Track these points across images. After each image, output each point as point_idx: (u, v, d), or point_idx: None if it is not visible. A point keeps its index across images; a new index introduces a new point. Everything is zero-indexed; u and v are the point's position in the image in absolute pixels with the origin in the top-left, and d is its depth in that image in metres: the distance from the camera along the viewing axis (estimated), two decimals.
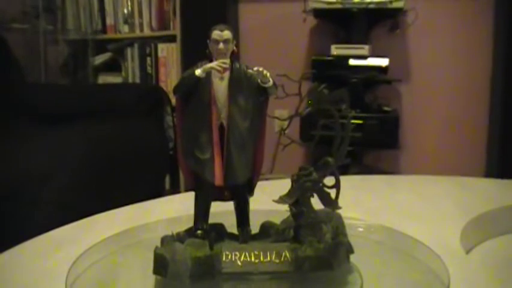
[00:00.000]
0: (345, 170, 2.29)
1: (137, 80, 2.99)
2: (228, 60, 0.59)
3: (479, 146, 2.78)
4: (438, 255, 0.61)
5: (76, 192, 1.59)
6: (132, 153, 1.97)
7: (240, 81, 0.59)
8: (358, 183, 1.17)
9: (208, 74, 0.58)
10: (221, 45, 0.58)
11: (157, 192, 1.02)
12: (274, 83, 0.59)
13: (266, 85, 0.58)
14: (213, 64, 0.58)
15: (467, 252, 0.78)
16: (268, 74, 0.58)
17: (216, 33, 0.58)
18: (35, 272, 0.65)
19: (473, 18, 2.72)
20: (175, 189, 2.68)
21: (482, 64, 2.73)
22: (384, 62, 2.50)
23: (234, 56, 0.60)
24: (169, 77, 2.91)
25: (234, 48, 0.60)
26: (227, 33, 0.58)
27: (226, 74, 0.59)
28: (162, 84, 2.89)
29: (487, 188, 1.13)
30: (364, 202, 0.98)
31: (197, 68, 0.58)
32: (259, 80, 0.59)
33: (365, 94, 2.67)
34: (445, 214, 0.91)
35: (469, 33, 2.74)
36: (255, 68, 0.58)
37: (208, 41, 0.59)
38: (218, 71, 0.58)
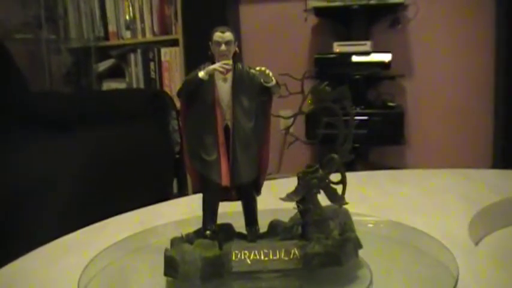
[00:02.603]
0: (351, 168, 2.29)
1: (141, 85, 3.00)
2: (230, 61, 0.59)
3: (485, 138, 2.77)
4: (447, 248, 0.61)
5: (82, 199, 1.59)
6: (138, 159, 1.98)
7: (243, 82, 0.60)
8: (364, 179, 1.17)
9: (211, 76, 0.59)
10: (223, 47, 0.59)
11: (165, 196, 1.02)
12: (277, 82, 0.59)
13: (269, 85, 0.59)
14: (216, 66, 0.58)
15: (476, 243, 0.78)
16: (270, 74, 0.58)
17: (217, 35, 0.59)
18: (46, 278, 0.66)
19: (474, 10, 2.72)
20: (183, 193, 2.68)
21: (485, 56, 2.73)
22: (386, 57, 2.50)
23: (236, 57, 0.61)
24: (173, 81, 2.92)
25: (236, 49, 0.60)
26: (229, 35, 0.59)
27: (229, 75, 0.60)
28: (166, 89, 2.90)
29: (493, 179, 1.13)
30: (370, 197, 0.98)
31: (200, 70, 0.59)
32: (262, 80, 0.59)
33: (368, 90, 2.67)
34: (452, 206, 0.91)
35: (471, 26, 2.73)
36: (258, 68, 0.59)
37: (210, 43, 0.60)
38: (221, 72, 0.59)
